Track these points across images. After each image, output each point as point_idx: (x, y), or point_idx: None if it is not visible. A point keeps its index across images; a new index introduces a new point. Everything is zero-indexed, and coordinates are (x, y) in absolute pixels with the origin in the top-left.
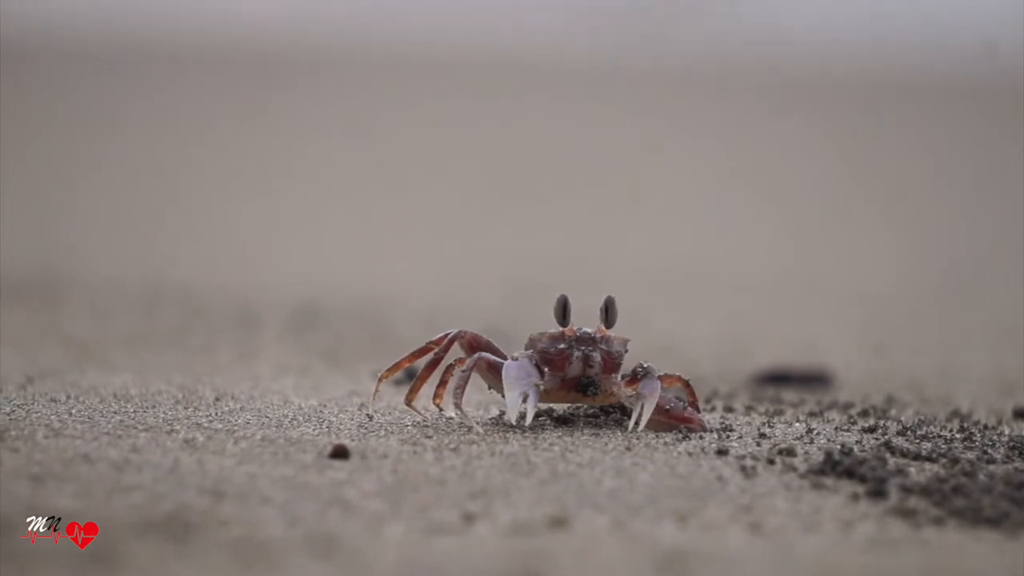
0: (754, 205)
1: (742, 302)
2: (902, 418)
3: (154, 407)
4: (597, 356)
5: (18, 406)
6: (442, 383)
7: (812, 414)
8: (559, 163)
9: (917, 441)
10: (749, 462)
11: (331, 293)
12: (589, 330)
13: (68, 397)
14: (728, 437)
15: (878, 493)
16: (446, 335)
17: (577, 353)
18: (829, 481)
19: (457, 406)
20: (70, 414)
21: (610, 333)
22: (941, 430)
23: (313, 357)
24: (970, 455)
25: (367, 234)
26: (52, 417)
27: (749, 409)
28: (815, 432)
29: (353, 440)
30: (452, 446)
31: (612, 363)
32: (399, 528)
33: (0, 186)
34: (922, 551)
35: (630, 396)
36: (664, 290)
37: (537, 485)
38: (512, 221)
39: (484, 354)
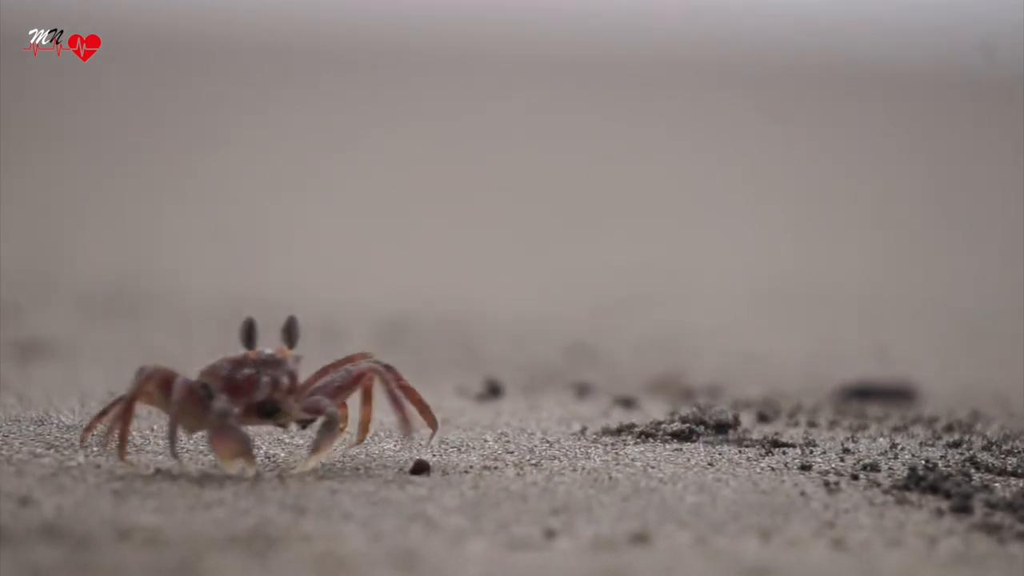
0: (840, 219)
1: (827, 316)
2: (987, 433)
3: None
4: (285, 380)
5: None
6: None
7: (896, 429)
8: (646, 176)
9: (1002, 456)
10: (832, 477)
11: (417, 307)
12: (272, 351)
13: (150, 412)
14: (812, 452)
15: (963, 508)
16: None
17: (265, 378)
18: (913, 496)
19: (121, 449)
20: (152, 430)
21: (291, 353)
22: None
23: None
24: None
25: (454, 248)
26: (134, 432)
27: (833, 424)
28: (899, 447)
29: (434, 456)
30: (533, 462)
31: (295, 384)
32: (480, 544)
33: (84, 202)
34: (1007, 567)
35: (310, 420)
36: (749, 304)
37: (619, 501)
38: (601, 235)
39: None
